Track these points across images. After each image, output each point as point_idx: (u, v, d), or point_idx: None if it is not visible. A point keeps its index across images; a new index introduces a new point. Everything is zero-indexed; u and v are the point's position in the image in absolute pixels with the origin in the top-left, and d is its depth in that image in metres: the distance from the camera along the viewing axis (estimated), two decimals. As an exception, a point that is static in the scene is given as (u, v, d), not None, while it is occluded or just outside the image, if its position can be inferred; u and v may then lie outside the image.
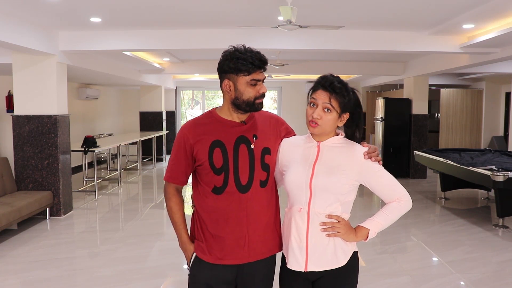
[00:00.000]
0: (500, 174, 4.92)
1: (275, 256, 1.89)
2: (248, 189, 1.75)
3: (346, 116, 1.74)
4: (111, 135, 11.23)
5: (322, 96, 1.70)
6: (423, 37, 5.75)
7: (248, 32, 5.52)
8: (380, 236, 4.82)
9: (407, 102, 9.08)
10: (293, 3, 4.02)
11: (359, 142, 1.79)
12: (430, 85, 10.19)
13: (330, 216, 1.71)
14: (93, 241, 5.07)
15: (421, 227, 5.52)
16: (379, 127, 9.34)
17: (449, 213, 6.28)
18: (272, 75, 9.71)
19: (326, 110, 1.69)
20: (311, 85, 1.78)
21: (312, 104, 1.72)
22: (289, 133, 1.92)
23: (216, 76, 1.85)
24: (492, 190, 5.86)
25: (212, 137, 1.76)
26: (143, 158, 11.00)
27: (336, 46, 5.79)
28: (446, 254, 4.49)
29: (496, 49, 5.80)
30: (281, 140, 1.87)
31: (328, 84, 1.69)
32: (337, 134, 1.79)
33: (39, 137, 5.64)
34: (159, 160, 11.50)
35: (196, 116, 1.93)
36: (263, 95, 1.76)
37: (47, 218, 5.69)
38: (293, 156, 1.80)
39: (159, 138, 11.42)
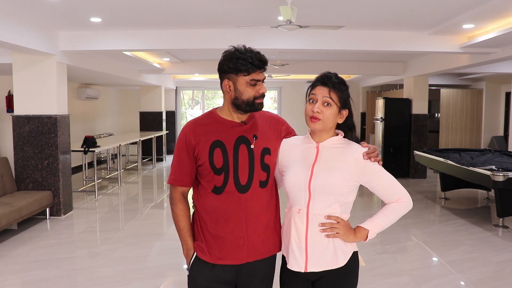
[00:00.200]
0: (500, 174, 4.92)
1: (275, 256, 1.88)
2: (248, 189, 1.75)
3: (345, 113, 1.74)
4: (111, 135, 11.23)
5: (321, 91, 1.70)
6: (423, 37, 5.75)
7: (248, 32, 5.52)
8: (380, 236, 4.82)
9: (407, 102, 9.08)
10: (293, 3, 4.02)
11: (358, 142, 1.79)
12: (430, 85, 10.19)
13: (329, 217, 1.71)
14: (93, 241, 5.07)
15: (421, 227, 5.52)
16: (379, 127, 9.34)
17: (449, 213, 6.28)
18: (272, 75, 9.71)
19: (326, 104, 1.70)
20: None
21: (311, 100, 1.72)
22: (290, 133, 1.92)
23: (216, 76, 1.85)
24: (492, 190, 5.86)
25: (213, 138, 1.76)
26: (143, 158, 11.01)
27: (336, 46, 5.79)
28: (446, 254, 4.49)
29: (496, 49, 5.80)
30: (282, 140, 1.87)
31: (327, 79, 1.71)
32: (336, 134, 1.79)
33: (39, 137, 5.64)
34: (159, 160, 11.50)
35: (196, 116, 1.93)
36: (263, 95, 1.76)
37: (47, 218, 5.69)
38: (292, 156, 1.80)
39: (159, 138, 11.42)
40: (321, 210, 1.71)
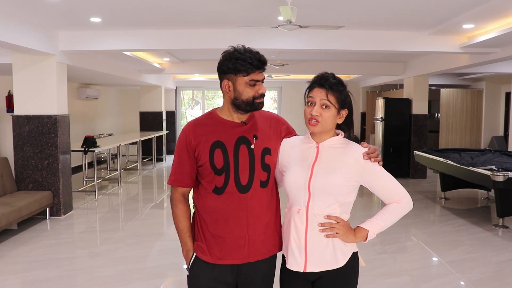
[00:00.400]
0: (500, 174, 4.92)
1: (275, 256, 1.88)
2: (248, 189, 1.75)
3: (344, 113, 1.74)
4: (111, 135, 11.23)
5: (319, 94, 1.70)
6: (423, 37, 5.75)
7: (248, 32, 5.52)
8: (380, 236, 4.82)
9: (407, 102, 9.08)
10: (293, 3, 4.02)
11: (358, 142, 1.78)
12: (430, 85, 10.19)
13: (328, 217, 1.71)
14: (93, 241, 5.07)
15: (421, 227, 5.52)
16: (379, 127, 9.34)
17: (449, 213, 6.28)
18: (272, 75, 9.71)
19: (324, 107, 1.69)
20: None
21: (309, 103, 1.72)
22: (290, 133, 1.91)
23: (216, 76, 1.85)
24: (492, 190, 5.86)
25: (213, 138, 1.76)
26: (143, 158, 11.01)
27: (336, 46, 5.79)
28: (446, 254, 4.49)
29: (496, 49, 5.80)
30: (282, 140, 1.87)
31: (324, 81, 1.70)
32: (337, 134, 1.79)
33: (39, 137, 5.64)
34: (159, 160, 11.50)
35: (197, 116, 1.93)
36: (262, 95, 1.75)
37: (47, 218, 5.69)
38: (292, 156, 1.79)
39: (159, 138, 11.42)
40: (320, 210, 1.70)
